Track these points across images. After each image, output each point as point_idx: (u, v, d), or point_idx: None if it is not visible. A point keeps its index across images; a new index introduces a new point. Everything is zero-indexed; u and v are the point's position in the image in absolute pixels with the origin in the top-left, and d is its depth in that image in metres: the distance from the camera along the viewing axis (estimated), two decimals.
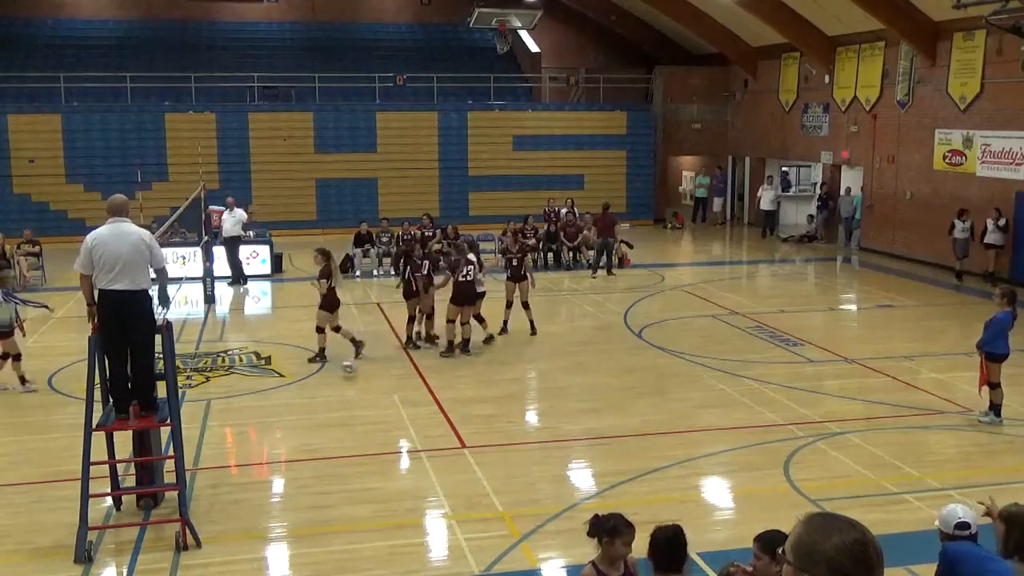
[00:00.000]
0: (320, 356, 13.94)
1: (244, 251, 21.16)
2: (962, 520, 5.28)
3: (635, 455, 10.06)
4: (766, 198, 28.00)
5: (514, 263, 15.67)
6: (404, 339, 14.90)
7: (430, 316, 14.86)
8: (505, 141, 29.94)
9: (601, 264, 21.74)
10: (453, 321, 14.19)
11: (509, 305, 15.66)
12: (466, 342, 14.34)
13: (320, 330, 13.96)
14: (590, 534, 5.22)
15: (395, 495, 9.09)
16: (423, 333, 14.94)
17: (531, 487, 9.27)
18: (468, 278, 14.18)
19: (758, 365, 13.69)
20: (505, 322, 15.59)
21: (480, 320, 14.82)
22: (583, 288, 20.47)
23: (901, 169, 23.41)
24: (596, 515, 5.29)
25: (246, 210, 21.53)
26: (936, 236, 22.22)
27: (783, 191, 30.54)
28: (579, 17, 34.00)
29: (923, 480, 9.38)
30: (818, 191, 27.84)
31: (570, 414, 11.66)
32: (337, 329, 13.99)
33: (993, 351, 10.82)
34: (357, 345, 14.04)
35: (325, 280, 13.80)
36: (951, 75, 21.34)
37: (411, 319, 14.78)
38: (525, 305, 15.60)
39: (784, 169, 31.40)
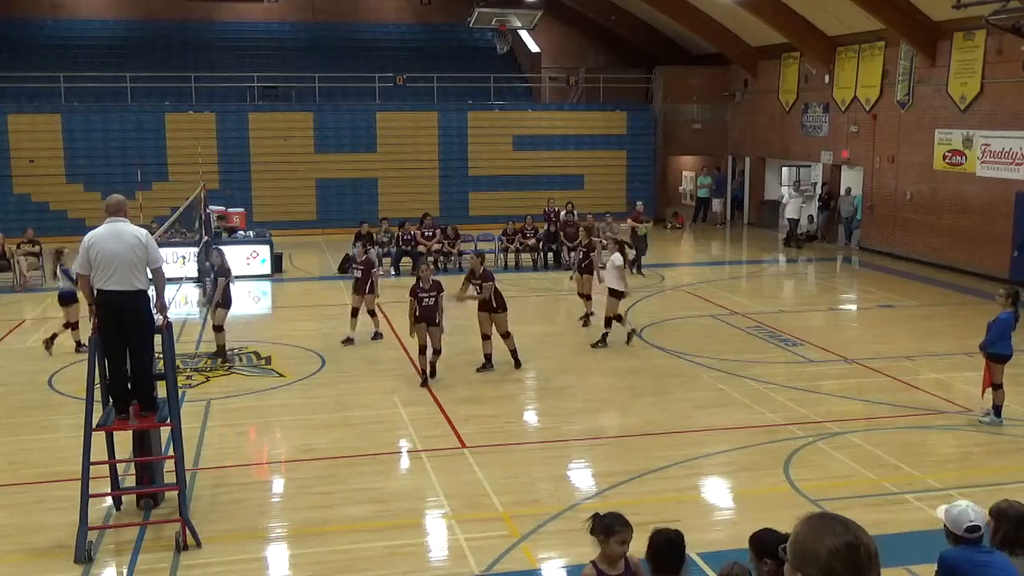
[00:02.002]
0: (220, 353, 14.09)
1: (244, 251, 21.24)
2: (973, 523, 5.10)
3: (635, 455, 10.06)
4: (793, 205, 26.50)
5: (580, 255, 16.62)
6: (421, 378, 12.83)
7: (438, 351, 12.93)
8: (505, 141, 29.94)
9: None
10: (618, 316, 14.86)
11: (587, 297, 16.38)
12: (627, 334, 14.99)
13: (219, 328, 14.11)
14: (591, 532, 5.28)
15: (395, 495, 9.09)
16: (430, 369, 12.95)
17: (531, 487, 9.27)
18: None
19: (758, 365, 13.69)
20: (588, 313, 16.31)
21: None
22: None
23: (901, 169, 23.40)
24: (596, 513, 5.36)
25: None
26: (935, 236, 22.23)
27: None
28: (579, 17, 33.99)
29: (923, 480, 9.38)
30: (818, 191, 27.81)
31: (570, 414, 11.66)
32: (219, 329, 14.16)
33: (996, 352, 10.82)
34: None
35: (223, 278, 14.13)
36: (951, 75, 21.33)
37: (422, 350, 12.74)
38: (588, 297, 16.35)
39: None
